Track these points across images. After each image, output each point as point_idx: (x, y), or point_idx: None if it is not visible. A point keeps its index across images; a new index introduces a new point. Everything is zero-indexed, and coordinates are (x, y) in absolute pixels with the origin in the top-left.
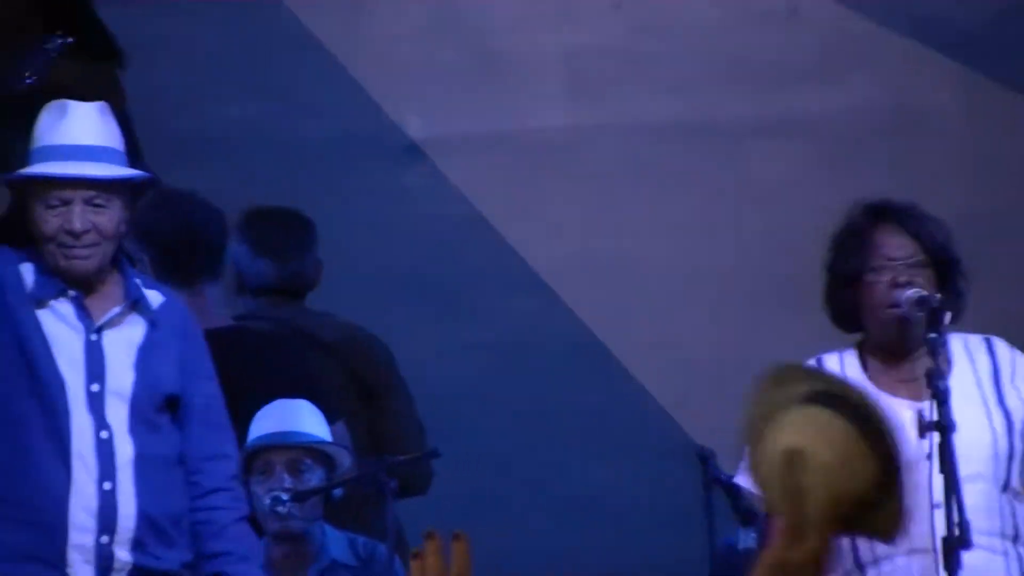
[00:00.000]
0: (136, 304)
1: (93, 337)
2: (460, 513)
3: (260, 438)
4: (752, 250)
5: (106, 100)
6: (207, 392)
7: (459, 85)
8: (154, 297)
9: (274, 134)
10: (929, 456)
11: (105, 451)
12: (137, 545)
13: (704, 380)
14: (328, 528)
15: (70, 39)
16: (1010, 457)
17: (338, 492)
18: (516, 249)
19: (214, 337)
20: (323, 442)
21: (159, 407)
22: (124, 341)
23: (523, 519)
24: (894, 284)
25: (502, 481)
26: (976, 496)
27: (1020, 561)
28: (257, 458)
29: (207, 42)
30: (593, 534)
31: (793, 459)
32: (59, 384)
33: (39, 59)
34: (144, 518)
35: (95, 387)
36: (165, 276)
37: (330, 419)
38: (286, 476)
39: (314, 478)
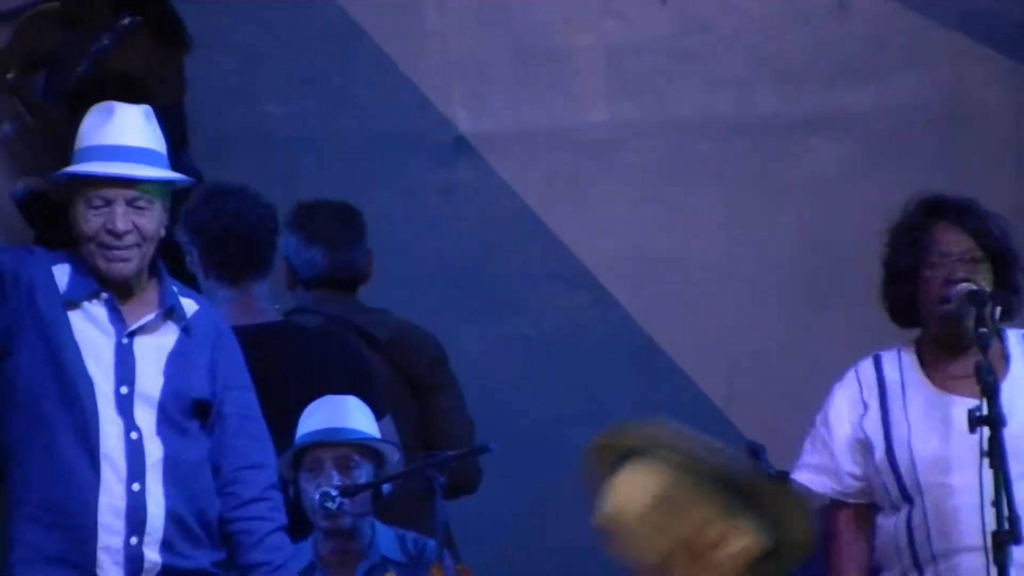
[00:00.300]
0: (171, 312)
1: (124, 341)
2: (507, 509)
3: (309, 435)
4: (802, 246)
5: (170, 84)
6: (242, 402)
7: (507, 81)
8: (189, 305)
9: (324, 129)
10: (981, 451)
11: (134, 452)
12: (166, 546)
13: (751, 375)
14: (378, 524)
15: (139, 18)
16: None
17: (387, 488)
18: (564, 243)
19: (260, 333)
20: (372, 438)
21: (187, 412)
22: (155, 347)
23: (573, 517)
24: (949, 280)
25: (551, 476)
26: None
27: None
28: (306, 455)
29: (260, 38)
30: None
31: (605, 531)
32: (88, 386)
33: (110, 36)
34: (172, 518)
35: (124, 389)
36: (213, 270)
37: (377, 415)
38: (335, 472)
39: (363, 474)
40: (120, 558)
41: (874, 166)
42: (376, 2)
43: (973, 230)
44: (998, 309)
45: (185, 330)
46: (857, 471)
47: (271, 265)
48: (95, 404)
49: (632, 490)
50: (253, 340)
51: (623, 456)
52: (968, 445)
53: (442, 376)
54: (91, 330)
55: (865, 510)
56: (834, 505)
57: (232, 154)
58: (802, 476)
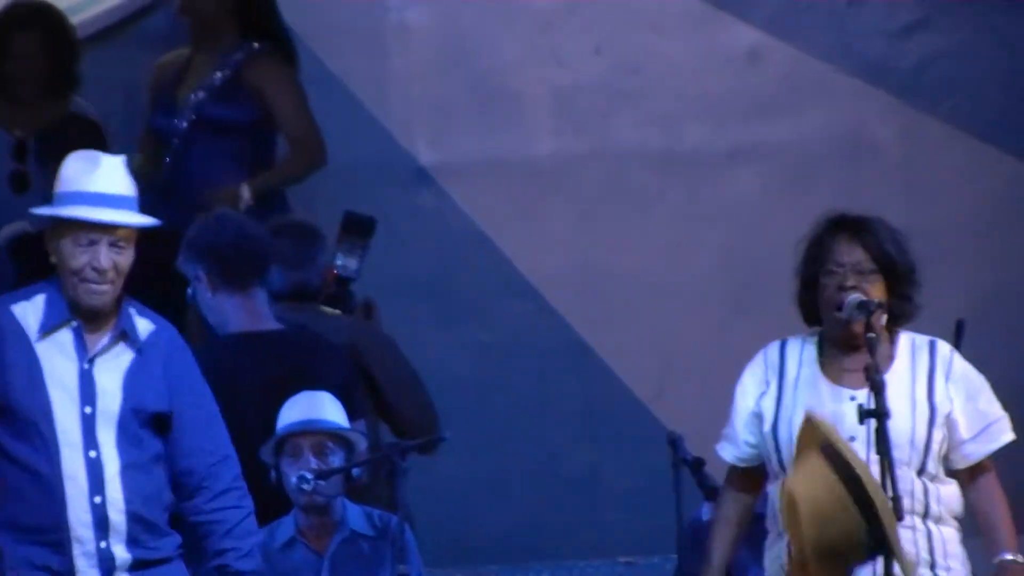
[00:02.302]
0: (123, 334)
1: (86, 366)
2: (462, 493)
3: (289, 425)
4: (721, 262)
5: (287, 98)
6: (198, 404)
7: (463, 118)
8: (145, 325)
9: None
10: (868, 441)
11: (94, 469)
12: (132, 542)
13: (679, 375)
14: (347, 502)
15: (260, 44)
16: (927, 446)
17: (357, 472)
18: (512, 261)
19: (264, 339)
20: (344, 428)
21: (146, 424)
22: (113, 368)
23: (520, 498)
24: (841, 287)
25: (500, 461)
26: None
27: (928, 534)
28: (287, 442)
29: None
30: (579, 510)
31: (791, 505)
32: (49, 416)
33: (233, 60)
34: (134, 519)
35: (88, 410)
36: (221, 282)
37: (360, 415)
38: (312, 457)
39: (336, 459)
40: (95, 561)
41: (787, 192)
42: (346, 47)
43: (866, 243)
44: (884, 316)
45: (139, 350)
46: (751, 440)
47: (268, 274)
48: (55, 432)
49: (818, 480)
50: (258, 345)
51: (824, 444)
52: (846, 432)
53: (395, 367)
54: (57, 358)
55: (752, 474)
56: (732, 468)
57: None
58: (720, 446)
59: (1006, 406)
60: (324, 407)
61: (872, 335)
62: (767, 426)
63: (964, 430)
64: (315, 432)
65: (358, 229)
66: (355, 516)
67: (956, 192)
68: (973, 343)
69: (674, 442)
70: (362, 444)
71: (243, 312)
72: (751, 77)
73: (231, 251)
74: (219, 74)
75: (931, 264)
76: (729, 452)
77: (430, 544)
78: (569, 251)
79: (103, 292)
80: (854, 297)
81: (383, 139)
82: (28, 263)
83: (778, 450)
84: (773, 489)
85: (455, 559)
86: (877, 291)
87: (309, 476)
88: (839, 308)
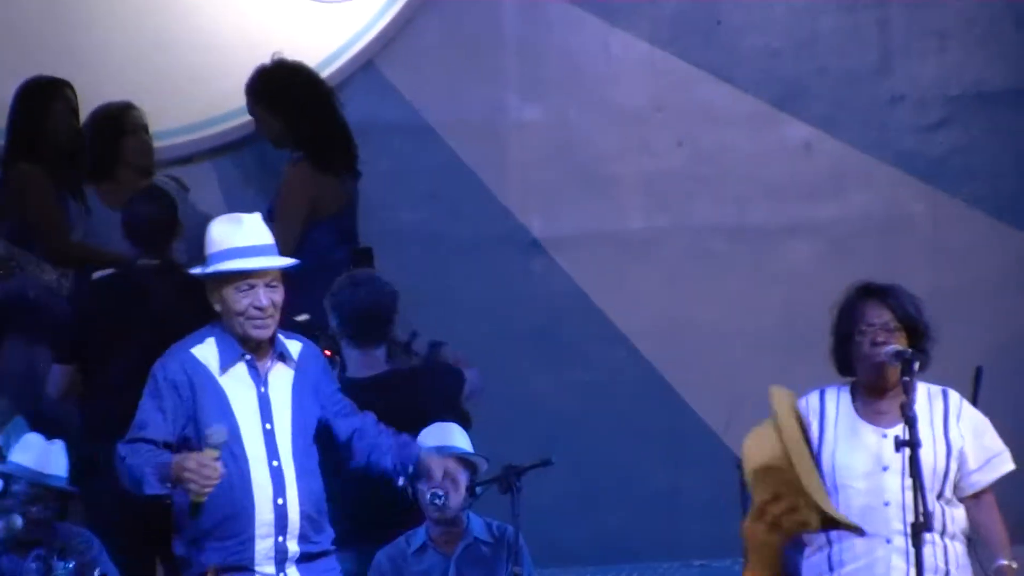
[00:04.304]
0: (282, 356)
1: (263, 390)
2: (564, 506)
3: (425, 450)
4: (781, 318)
5: (326, 201)
6: (336, 398)
7: (570, 198)
8: (294, 346)
9: (442, 232)
10: (902, 466)
11: (277, 476)
12: (303, 539)
13: (743, 410)
14: (471, 515)
15: (305, 153)
16: (945, 475)
17: (480, 490)
18: (607, 315)
19: (377, 381)
20: (469, 453)
21: (311, 434)
22: (283, 387)
23: (611, 511)
24: (873, 343)
25: (596, 483)
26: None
27: (945, 549)
28: (423, 465)
29: (398, 165)
30: (661, 521)
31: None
32: (237, 434)
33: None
34: (306, 518)
35: (268, 426)
36: (346, 337)
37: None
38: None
39: (463, 479)
40: (272, 552)
41: (835, 260)
42: (472, 136)
43: (891, 306)
44: (916, 364)
45: (296, 368)
46: None
47: (388, 336)
48: (242, 446)
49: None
50: (371, 387)
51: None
52: (884, 462)
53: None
54: (238, 387)
55: None
56: None
57: (378, 251)
58: None
59: (1010, 440)
60: (453, 435)
61: (907, 379)
62: None
63: (972, 462)
64: (445, 456)
65: (363, 260)
66: (477, 525)
67: (975, 262)
68: (989, 387)
69: (740, 465)
70: (484, 465)
71: (360, 363)
72: (805, 165)
73: (359, 314)
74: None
75: (954, 321)
76: None
77: (536, 548)
78: (655, 308)
79: (268, 326)
80: (892, 347)
81: (503, 215)
82: (109, 303)
83: (822, 476)
84: None
85: (556, 561)
86: (902, 345)
87: (440, 494)
88: (875, 357)
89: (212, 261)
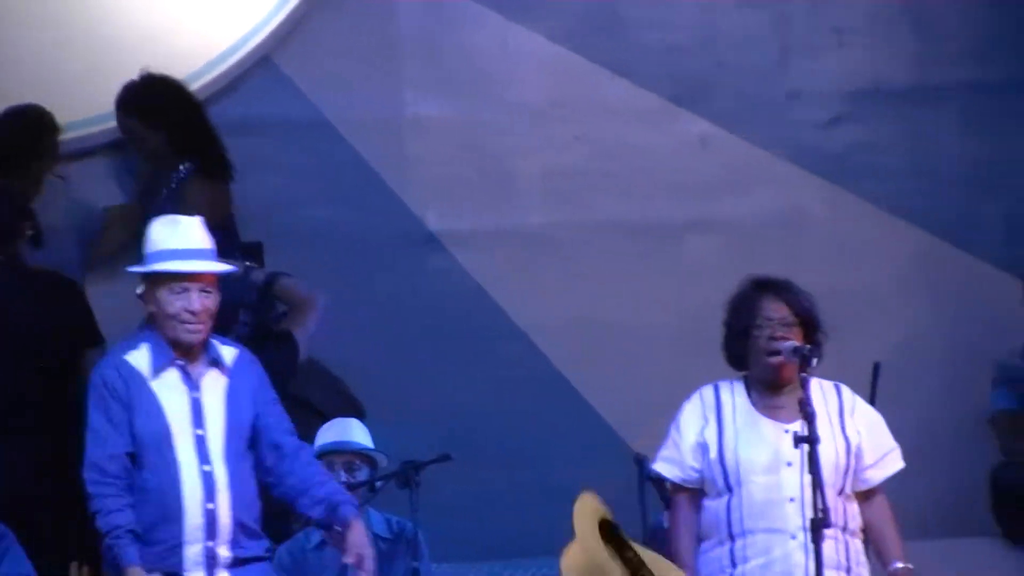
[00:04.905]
0: (215, 362)
1: (195, 395)
2: (467, 500)
3: (324, 446)
4: (676, 313)
5: (219, 208)
6: (274, 411)
7: (469, 193)
8: (228, 352)
9: (332, 228)
10: (801, 462)
11: (208, 480)
12: (234, 544)
13: (641, 404)
14: (371, 510)
15: (195, 164)
16: (845, 470)
17: (380, 484)
18: (505, 310)
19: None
20: (369, 449)
21: (244, 439)
22: (215, 393)
23: (513, 505)
24: (771, 338)
25: (505, 476)
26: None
27: (846, 544)
28: (322, 459)
29: (296, 161)
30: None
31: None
32: (168, 438)
33: (175, 179)
34: (237, 524)
35: (200, 431)
36: None
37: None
38: (343, 473)
39: (362, 474)
40: (201, 558)
41: (733, 257)
42: (370, 132)
43: (788, 301)
44: (815, 360)
45: (230, 375)
46: (696, 466)
47: None
48: (173, 452)
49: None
50: None
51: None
52: (784, 458)
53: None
54: (171, 393)
55: (697, 494)
56: (675, 488)
57: (276, 247)
58: (659, 465)
59: (910, 435)
60: (353, 431)
61: (804, 375)
62: (713, 454)
63: (867, 457)
64: (345, 452)
65: (253, 254)
66: (377, 521)
67: (874, 258)
68: (885, 382)
69: (640, 461)
70: (383, 461)
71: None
72: (705, 161)
73: None
74: (164, 191)
75: (853, 317)
76: (675, 473)
77: (434, 543)
78: (554, 303)
79: (199, 331)
80: (790, 343)
81: (403, 211)
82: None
83: (724, 474)
84: (713, 503)
85: (455, 556)
86: (798, 340)
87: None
88: (773, 353)
89: (148, 261)
